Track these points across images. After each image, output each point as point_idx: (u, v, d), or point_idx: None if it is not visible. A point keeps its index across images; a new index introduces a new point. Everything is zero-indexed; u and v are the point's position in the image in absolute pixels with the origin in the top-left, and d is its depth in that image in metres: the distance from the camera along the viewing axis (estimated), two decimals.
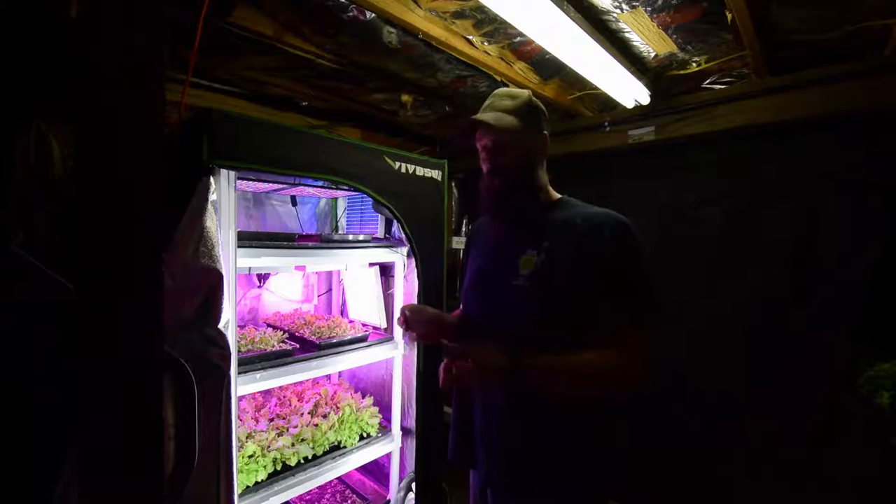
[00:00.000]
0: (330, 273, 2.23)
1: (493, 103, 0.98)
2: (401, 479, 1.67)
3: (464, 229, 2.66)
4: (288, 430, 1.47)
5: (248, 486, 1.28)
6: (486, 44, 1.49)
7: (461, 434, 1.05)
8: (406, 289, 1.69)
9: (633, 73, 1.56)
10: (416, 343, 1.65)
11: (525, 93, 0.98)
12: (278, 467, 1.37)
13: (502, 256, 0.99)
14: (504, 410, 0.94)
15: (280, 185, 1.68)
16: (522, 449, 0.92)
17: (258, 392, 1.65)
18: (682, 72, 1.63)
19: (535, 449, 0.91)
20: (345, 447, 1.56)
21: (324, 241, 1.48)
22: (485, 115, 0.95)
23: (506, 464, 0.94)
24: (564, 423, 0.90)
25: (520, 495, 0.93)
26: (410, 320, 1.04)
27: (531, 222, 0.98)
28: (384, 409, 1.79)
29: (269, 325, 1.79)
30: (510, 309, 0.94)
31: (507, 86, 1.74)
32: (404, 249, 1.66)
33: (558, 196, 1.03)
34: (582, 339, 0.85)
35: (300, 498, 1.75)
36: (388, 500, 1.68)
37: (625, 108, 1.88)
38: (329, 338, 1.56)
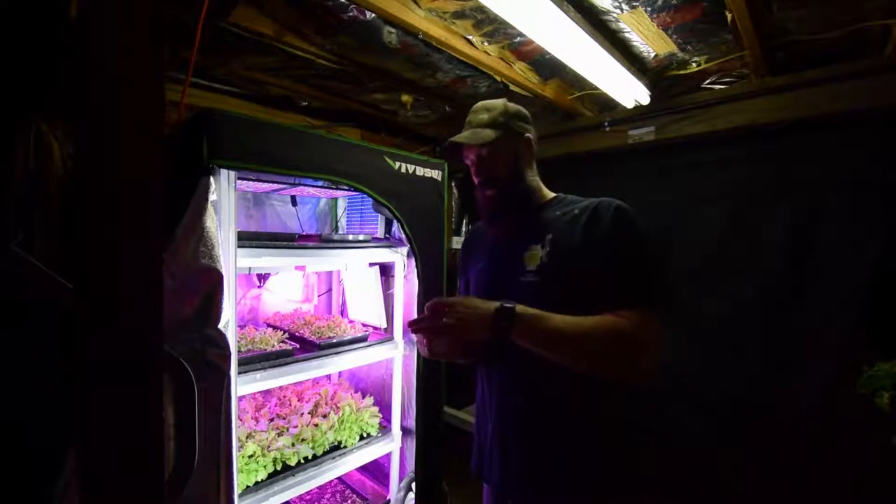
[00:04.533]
0: (330, 273, 2.23)
1: (471, 119, 1.01)
2: (401, 479, 1.67)
3: (464, 229, 2.66)
4: (288, 429, 1.47)
5: (248, 486, 1.28)
6: (486, 44, 1.49)
7: (482, 445, 1.03)
8: (406, 289, 1.69)
9: (633, 73, 1.56)
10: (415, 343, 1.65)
11: (499, 103, 1.01)
12: (278, 467, 1.37)
13: (506, 256, 0.99)
14: (522, 413, 0.92)
15: (280, 185, 1.68)
16: (542, 455, 0.91)
17: (258, 392, 1.65)
18: (682, 72, 1.63)
19: (556, 456, 0.90)
20: (345, 447, 1.56)
21: (324, 241, 1.47)
22: (462, 136, 0.98)
23: (524, 472, 0.92)
24: (588, 428, 0.89)
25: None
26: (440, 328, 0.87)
27: (530, 221, 0.99)
28: (384, 409, 1.78)
29: (269, 325, 1.79)
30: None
31: (508, 86, 1.75)
32: (404, 249, 1.66)
33: (553, 194, 1.06)
34: None
35: (300, 498, 1.75)
36: (388, 500, 1.68)
37: (625, 108, 1.88)
38: (329, 338, 1.56)
